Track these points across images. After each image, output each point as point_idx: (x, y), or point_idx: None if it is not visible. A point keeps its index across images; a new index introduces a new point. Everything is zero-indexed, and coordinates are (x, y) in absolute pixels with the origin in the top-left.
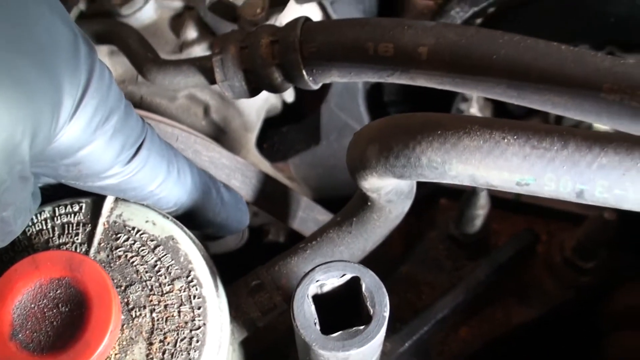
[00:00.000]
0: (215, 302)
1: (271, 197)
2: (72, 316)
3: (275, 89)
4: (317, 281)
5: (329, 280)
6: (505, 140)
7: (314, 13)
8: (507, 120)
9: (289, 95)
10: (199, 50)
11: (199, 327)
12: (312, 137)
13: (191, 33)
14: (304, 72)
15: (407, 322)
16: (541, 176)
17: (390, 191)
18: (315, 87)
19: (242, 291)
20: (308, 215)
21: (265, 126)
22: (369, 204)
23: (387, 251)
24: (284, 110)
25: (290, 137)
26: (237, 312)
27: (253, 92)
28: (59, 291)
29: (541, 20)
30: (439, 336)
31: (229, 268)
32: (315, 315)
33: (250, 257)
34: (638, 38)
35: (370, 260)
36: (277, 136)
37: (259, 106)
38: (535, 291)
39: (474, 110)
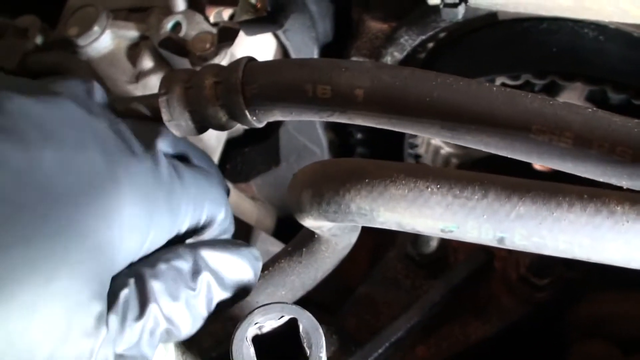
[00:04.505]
0: None
1: None
2: None
3: (221, 128)
4: (256, 324)
5: (268, 322)
6: (429, 189)
7: (269, 42)
8: (432, 167)
9: None
10: (155, 80)
11: None
12: (273, 158)
13: (147, 63)
14: (247, 113)
15: (363, 345)
16: (463, 224)
17: (332, 228)
18: (260, 125)
19: None
20: (260, 248)
21: (229, 147)
22: (315, 236)
23: (353, 269)
24: (247, 131)
25: (252, 158)
26: (190, 342)
27: (200, 130)
28: None
29: (487, 48)
30: (396, 357)
31: None
32: (254, 357)
33: None
34: (579, 68)
35: (336, 278)
36: (239, 157)
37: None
38: (493, 308)
39: None
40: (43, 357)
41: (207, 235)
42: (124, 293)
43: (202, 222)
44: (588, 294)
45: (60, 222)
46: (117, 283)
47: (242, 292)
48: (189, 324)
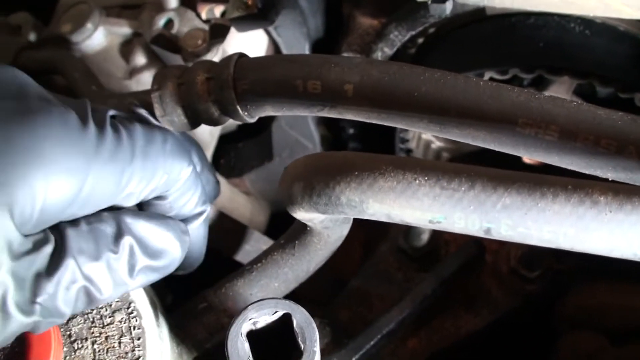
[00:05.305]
0: (155, 332)
1: (223, 235)
2: (13, 352)
3: (213, 123)
4: (250, 319)
5: (262, 318)
6: (417, 181)
7: (260, 38)
8: (419, 160)
9: None
10: (149, 76)
11: (139, 357)
12: (266, 153)
13: (140, 59)
14: (239, 108)
15: (355, 337)
16: (451, 215)
17: (323, 220)
18: (252, 120)
19: (190, 313)
20: (252, 247)
21: (222, 142)
22: (308, 229)
23: (346, 262)
24: (240, 127)
25: (245, 153)
26: (185, 334)
27: (193, 125)
28: None
29: (476, 43)
30: (387, 349)
31: (189, 285)
32: (249, 353)
33: (210, 275)
34: (566, 62)
35: (330, 272)
36: (233, 152)
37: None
38: (484, 300)
39: None
40: None
41: (173, 190)
42: (42, 246)
43: (160, 180)
44: (577, 285)
45: None
46: (36, 236)
47: (167, 264)
48: (110, 287)
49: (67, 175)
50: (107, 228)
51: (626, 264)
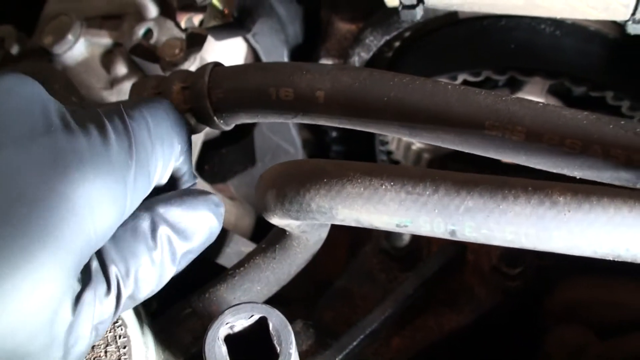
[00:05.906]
0: (139, 340)
1: None
2: None
3: (190, 131)
4: (227, 323)
5: (239, 322)
6: (383, 186)
7: (240, 46)
8: (387, 166)
9: None
10: (129, 86)
11: None
12: (249, 159)
13: (121, 69)
14: (214, 117)
15: (339, 338)
16: (416, 219)
17: (300, 225)
18: (228, 128)
19: (175, 319)
20: (232, 249)
21: (206, 148)
22: (287, 233)
23: (331, 264)
24: (223, 133)
25: (229, 159)
26: (171, 340)
27: None
28: None
29: (449, 46)
30: (371, 348)
31: (173, 291)
32: (227, 357)
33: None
34: (537, 63)
35: (315, 273)
36: (217, 158)
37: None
38: (466, 298)
39: None
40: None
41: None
42: (92, 269)
43: (175, 153)
44: (562, 280)
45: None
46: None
47: (206, 240)
48: (155, 281)
49: (111, 208)
50: (143, 223)
51: (609, 260)
